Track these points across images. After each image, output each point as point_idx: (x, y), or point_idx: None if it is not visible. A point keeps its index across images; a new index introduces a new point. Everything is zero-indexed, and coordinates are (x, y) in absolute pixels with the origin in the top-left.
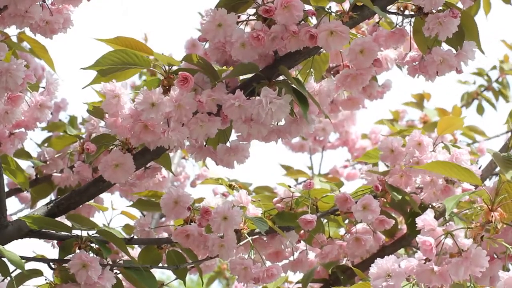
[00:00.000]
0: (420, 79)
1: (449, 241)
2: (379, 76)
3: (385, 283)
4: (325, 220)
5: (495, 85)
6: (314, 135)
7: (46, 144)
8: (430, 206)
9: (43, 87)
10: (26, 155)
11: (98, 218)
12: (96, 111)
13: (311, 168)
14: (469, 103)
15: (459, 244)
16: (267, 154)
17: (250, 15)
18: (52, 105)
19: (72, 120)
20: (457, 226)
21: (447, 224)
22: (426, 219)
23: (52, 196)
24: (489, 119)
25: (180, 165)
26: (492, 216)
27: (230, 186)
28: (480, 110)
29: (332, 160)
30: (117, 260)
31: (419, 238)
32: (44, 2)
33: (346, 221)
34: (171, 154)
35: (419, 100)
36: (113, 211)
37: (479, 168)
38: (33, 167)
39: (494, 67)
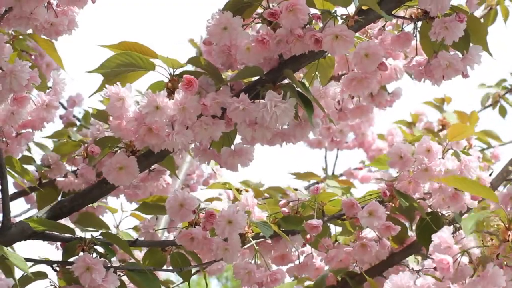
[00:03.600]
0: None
1: (465, 259)
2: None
3: None
4: (334, 227)
5: None
6: (331, 136)
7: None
8: (440, 214)
9: (51, 87)
10: (30, 160)
11: (107, 221)
12: (100, 114)
13: (325, 169)
14: (491, 105)
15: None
16: (281, 154)
17: (255, 18)
18: (59, 105)
19: (86, 115)
20: (469, 239)
21: (457, 233)
22: (442, 236)
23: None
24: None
25: (193, 164)
26: (509, 235)
27: (237, 190)
28: (503, 112)
29: (347, 160)
30: (124, 260)
31: (437, 256)
32: (49, 3)
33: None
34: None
35: (440, 103)
36: (123, 213)
37: (490, 175)
38: (36, 171)
39: None
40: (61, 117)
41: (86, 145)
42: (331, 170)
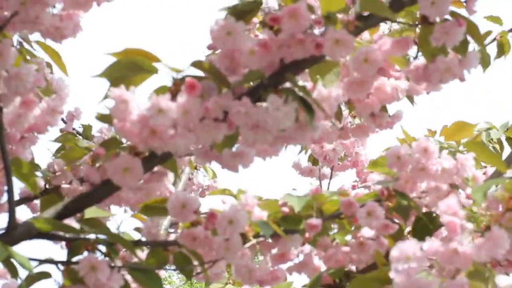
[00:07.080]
0: (426, 108)
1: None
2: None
3: (406, 265)
4: (335, 228)
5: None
6: (325, 155)
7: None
8: (434, 214)
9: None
10: (35, 166)
11: (109, 222)
12: (104, 117)
13: (319, 185)
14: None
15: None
16: (277, 168)
17: (257, 23)
18: (63, 110)
19: (86, 128)
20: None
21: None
22: (448, 204)
23: None
24: None
25: (191, 175)
26: None
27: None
28: None
29: (339, 184)
30: (125, 261)
31: (445, 218)
32: (55, 7)
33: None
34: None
35: (432, 136)
36: (124, 215)
37: (483, 174)
38: (42, 177)
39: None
40: (61, 131)
41: (91, 152)
42: (326, 189)
